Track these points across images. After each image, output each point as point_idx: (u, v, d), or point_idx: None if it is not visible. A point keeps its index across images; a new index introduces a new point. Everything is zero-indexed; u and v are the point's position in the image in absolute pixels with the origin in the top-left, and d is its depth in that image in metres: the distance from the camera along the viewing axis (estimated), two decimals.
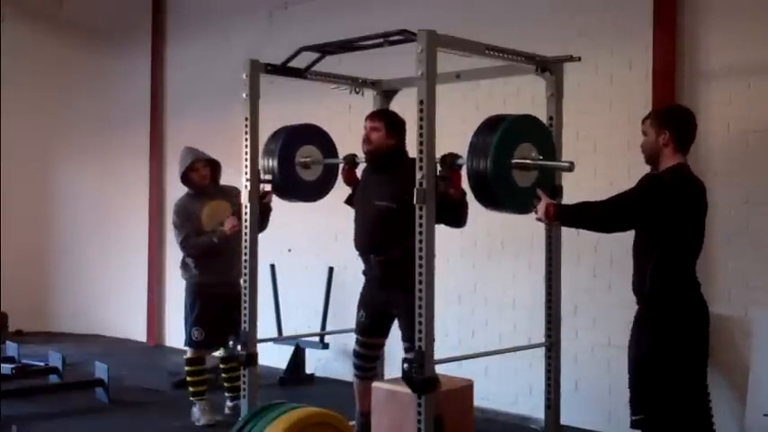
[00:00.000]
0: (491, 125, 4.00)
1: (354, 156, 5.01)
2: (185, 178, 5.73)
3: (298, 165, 5.12)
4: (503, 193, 3.96)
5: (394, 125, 4.67)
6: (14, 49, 9.02)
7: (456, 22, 5.72)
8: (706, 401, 4.63)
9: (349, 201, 5.04)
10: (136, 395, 6.69)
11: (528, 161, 4.01)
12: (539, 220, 3.99)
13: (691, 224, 3.74)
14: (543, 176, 4.13)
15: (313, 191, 5.28)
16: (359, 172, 5.01)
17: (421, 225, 3.83)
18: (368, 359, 4.83)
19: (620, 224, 3.78)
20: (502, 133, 3.92)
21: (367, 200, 4.72)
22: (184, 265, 5.80)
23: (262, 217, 4.80)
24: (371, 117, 4.74)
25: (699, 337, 3.80)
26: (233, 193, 5.52)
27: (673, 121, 3.79)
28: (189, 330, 5.73)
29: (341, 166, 5.13)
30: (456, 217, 4.37)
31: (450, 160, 4.14)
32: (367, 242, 4.70)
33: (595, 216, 3.81)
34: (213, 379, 6.28)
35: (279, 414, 3.63)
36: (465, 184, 4.12)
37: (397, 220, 4.33)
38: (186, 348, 5.81)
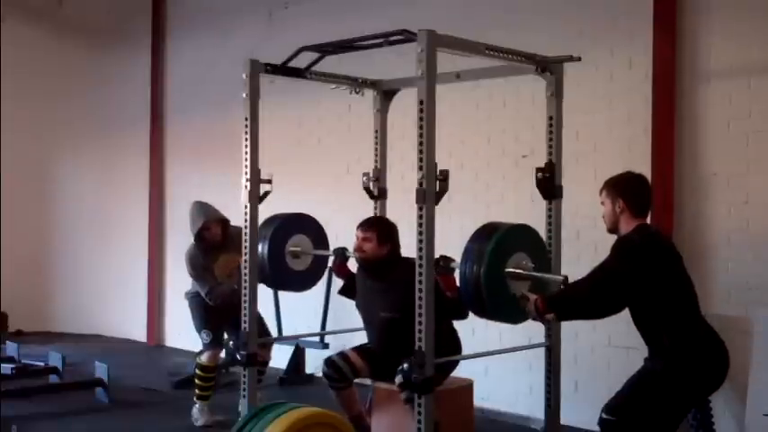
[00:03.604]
0: (486, 233, 4.04)
1: (345, 249, 5.07)
2: (197, 237, 5.74)
3: (288, 254, 5.17)
4: (495, 302, 3.98)
5: (385, 233, 4.76)
6: (14, 49, 9.04)
7: (456, 22, 5.72)
8: None
9: (343, 292, 5.16)
10: (136, 395, 6.68)
11: (521, 271, 4.04)
12: (534, 319, 3.96)
13: (674, 276, 3.70)
14: (536, 287, 4.10)
15: (302, 280, 5.35)
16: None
17: (421, 225, 3.83)
18: (342, 375, 4.76)
19: (609, 294, 3.70)
20: (496, 242, 3.96)
21: (371, 309, 4.81)
22: (193, 290, 5.84)
23: None
24: (362, 227, 4.79)
25: (714, 388, 3.78)
26: (240, 239, 5.01)
27: (624, 189, 3.80)
28: (200, 336, 5.81)
29: (331, 258, 5.18)
30: (455, 315, 4.44)
31: (444, 263, 4.16)
32: (378, 348, 4.80)
33: (583, 295, 3.76)
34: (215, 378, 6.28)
35: (279, 414, 3.62)
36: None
37: (403, 328, 4.26)
38: (201, 352, 5.84)
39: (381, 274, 4.74)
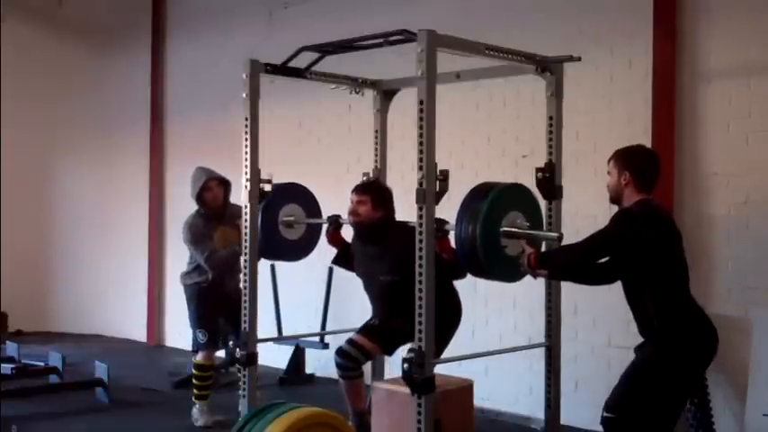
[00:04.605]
0: (481, 193, 4.03)
1: (338, 217, 5.06)
2: (198, 198, 5.74)
3: (281, 224, 5.16)
4: (492, 261, 3.98)
5: (380, 198, 4.76)
6: (14, 49, 9.05)
7: (456, 22, 5.72)
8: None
9: (336, 261, 5.15)
10: (136, 395, 6.69)
11: (516, 229, 4.04)
12: (524, 271, 3.99)
13: (669, 252, 3.72)
14: (531, 245, 4.10)
15: (296, 250, 5.32)
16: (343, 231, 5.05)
17: (421, 225, 3.83)
18: (356, 361, 4.73)
19: (601, 258, 3.74)
20: (491, 201, 3.96)
21: (370, 274, 4.82)
22: (190, 272, 5.80)
23: None
24: (357, 191, 4.79)
25: (705, 365, 3.81)
26: (239, 214, 5.17)
27: (633, 162, 3.82)
28: (194, 334, 5.78)
29: (324, 226, 5.17)
30: (453, 275, 4.47)
31: (438, 226, 4.12)
32: (380, 312, 4.84)
33: (576, 254, 3.79)
34: (214, 377, 6.29)
35: (279, 414, 3.62)
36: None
37: (403, 289, 4.24)
38: (196, 352, 5.84)
39: (377, 238, 4.73)
